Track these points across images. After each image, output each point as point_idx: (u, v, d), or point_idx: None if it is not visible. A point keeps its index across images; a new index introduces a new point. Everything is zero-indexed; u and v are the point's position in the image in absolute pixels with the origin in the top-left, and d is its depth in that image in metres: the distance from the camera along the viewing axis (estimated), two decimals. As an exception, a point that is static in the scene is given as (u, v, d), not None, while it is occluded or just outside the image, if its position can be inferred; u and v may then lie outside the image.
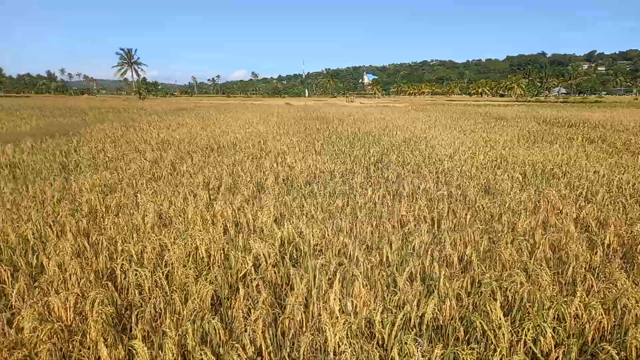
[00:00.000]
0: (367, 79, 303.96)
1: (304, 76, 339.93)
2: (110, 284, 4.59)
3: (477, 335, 3.86)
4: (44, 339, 3.52)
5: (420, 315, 4.02)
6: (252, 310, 3.79)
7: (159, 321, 4.03)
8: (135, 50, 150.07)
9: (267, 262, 4.87)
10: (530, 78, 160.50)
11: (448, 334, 3.98)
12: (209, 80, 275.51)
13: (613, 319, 4.07)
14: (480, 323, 3.77)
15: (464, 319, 4.07)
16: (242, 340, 3.61)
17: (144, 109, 49.94)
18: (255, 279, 4.53)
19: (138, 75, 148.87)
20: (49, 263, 5.09)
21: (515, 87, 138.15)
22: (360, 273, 4.46)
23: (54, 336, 3.64)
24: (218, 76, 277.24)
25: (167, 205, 7.71)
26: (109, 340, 3.66)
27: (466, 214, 7.20)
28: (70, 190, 8.96)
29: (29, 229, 6.13)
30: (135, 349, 3.37)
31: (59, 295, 4.14)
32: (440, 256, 5.47)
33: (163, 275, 4.68)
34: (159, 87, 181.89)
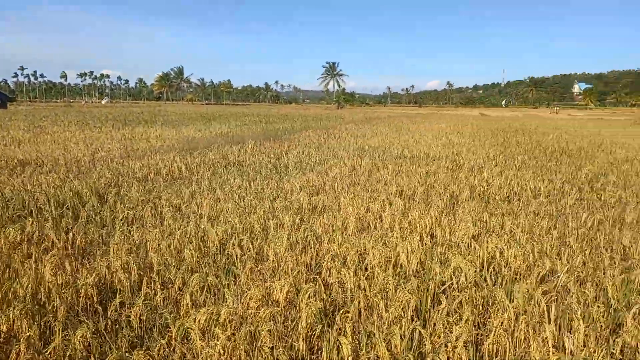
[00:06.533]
0: (577, 88, 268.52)
1: (502, 85, 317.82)
2: (318, 277, 5.07)
3: None
4: (265, 319, 4.08)
5: None
6: (454, 327, 3.75)
7: (359, 321, 4.29)
8: (338, 63, 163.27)
9: (466, 279, 4.75)
10: None
11: None
12: (402, 90, 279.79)
13: None
14: None
15: None
16: (439, 353, 3.60)
17: (342, 117, 53.44)
18: (456, 294, 4.46)
19: (339, 85, 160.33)
20: (268, 251, 5.86)
21: None
22: (580, 315, 3.99)
23: (272, 319, 4.18)
24: (412, 86, 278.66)
25: (364, 210, 8.13)
26: (316, 331, 4.04)
27: None
28: (284, 189, 10.15)
29: (254, 220, 7.17)
30: (341, 344, 3.66)
31: (279, 281, 4.75)
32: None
33: (364, 277, 4.96)
34: (356, 96, 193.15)
